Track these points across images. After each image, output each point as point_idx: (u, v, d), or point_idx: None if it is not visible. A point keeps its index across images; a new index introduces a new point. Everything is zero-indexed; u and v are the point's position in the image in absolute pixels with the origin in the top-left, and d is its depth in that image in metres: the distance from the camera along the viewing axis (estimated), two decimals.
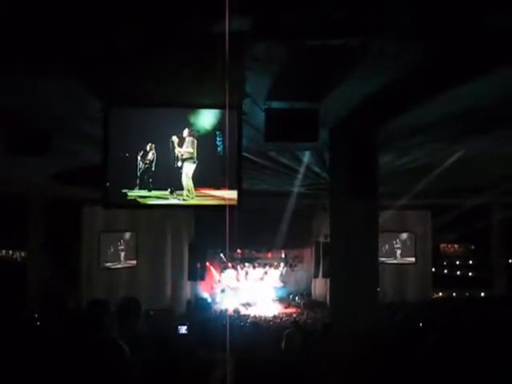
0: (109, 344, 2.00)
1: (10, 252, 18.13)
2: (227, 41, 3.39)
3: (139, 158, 5.46)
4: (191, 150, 5.58)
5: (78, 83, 5.09)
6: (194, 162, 5.59)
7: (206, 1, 3.38)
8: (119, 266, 15.75)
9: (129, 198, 5.49)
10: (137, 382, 1.94)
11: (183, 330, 6.91)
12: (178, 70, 4.91)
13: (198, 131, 5.58)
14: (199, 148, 5.57)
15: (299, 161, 9.61)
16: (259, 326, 12.94)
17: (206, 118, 5.54)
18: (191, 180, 5.59)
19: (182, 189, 5.57)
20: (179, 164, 5.57)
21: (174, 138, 5.51)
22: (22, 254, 17.17)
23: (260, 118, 5.77)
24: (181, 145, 5.56)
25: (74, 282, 14.28)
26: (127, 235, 16.00)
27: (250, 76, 5.12)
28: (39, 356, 2.75)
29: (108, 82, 5.16)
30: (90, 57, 4.43)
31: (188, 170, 5.58)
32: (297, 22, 4.01)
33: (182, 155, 5.57)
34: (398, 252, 17.94)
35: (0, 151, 6.49)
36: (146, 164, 5.45)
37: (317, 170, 10.28)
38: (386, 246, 17.53)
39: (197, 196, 5.59)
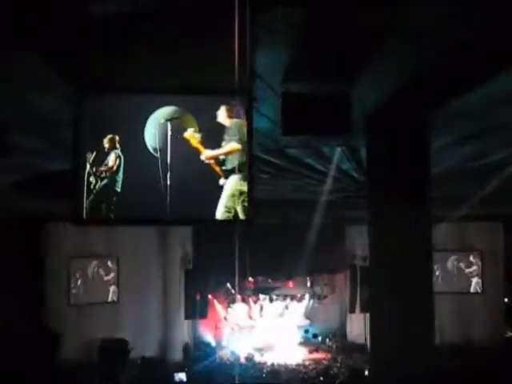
0: None
1: None
2: (234, 8, 3.50)
3: None
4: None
5: (43, 64, 5.15)
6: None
7: None
8: (95, 300, 15.85)
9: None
10: None
11: (180, 377, 6.83)
12: (170, 47, 4.96)
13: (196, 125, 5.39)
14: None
15: (327, 160, 9.50)
16: (280, 378, 12.93)
17: (206, 107, 5.39)
18: None
19: None
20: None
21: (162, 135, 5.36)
22: None
23: (275, 105, 5.75)
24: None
25: (39, 322, 14.33)
26: (105, 261, 16.11)
27: (262, 52, 5.13)
28: None
29: (81, 63, 5.23)
30: (57, 31, 4.50)
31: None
32: None
33: None
34: (460, 278, 17.84)
35: None
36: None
37: (350, 171, 10.24)
38: (443, 270, 17.45)
39: None
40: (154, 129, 5.20)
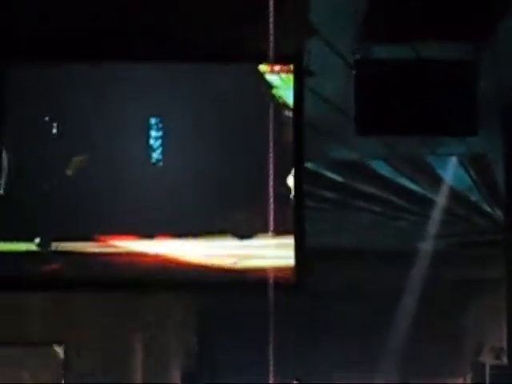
0: None
1: None
2: None
3: None
4: None
5: None
6: None
7: None
8: None
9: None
10: None
11: None
12: None
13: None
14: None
15: (434, 180, 8.82)
16: None
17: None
18: None
19: None
20: None
21: None
22: None
23: (345, 82, 5.19)
24: None
25: None
26: (45, 354, 13.89)
27: None
28: None
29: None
30: None
31: None
32: None
33: None
34: None
35: None
36: None
37: (474, 199, 9.58)
38: None
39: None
40: None
